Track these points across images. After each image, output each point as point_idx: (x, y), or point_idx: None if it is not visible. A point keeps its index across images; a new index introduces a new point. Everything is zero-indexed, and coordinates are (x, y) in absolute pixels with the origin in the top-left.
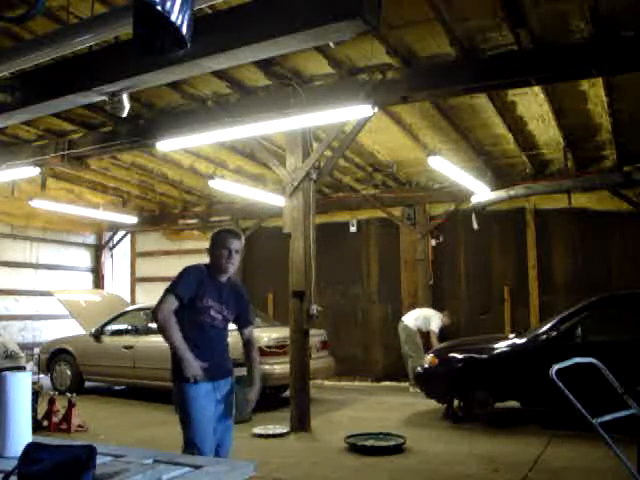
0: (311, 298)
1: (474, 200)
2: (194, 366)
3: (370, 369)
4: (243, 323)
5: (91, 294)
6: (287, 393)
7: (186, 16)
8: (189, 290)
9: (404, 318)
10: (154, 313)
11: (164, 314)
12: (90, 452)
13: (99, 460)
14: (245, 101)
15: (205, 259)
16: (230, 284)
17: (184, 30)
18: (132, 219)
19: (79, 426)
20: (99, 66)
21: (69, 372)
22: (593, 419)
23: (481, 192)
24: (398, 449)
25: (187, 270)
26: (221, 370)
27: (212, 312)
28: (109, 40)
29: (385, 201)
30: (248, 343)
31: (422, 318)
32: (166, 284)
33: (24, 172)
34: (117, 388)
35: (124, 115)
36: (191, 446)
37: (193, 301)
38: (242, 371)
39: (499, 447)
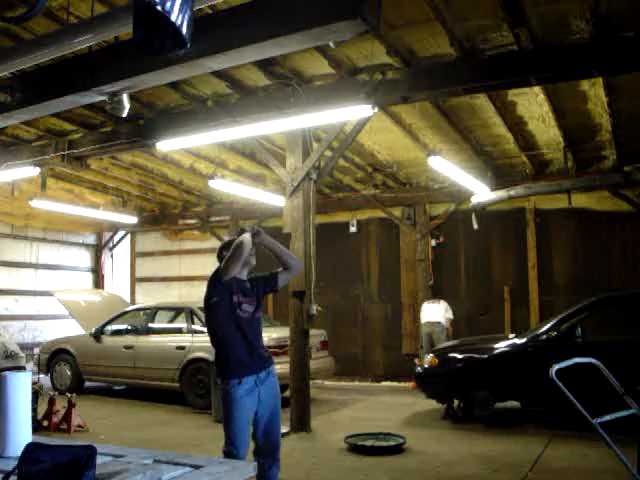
0: (311, 298)
1: (474, 200)
2: (246, 235)
3: (370, 369)
4: (275, 277)
5: (91, 294)
6: (287, 393)
7: (186, 16)
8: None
9: (436, 317)
10: (230, 270)
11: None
12: (90, 452)
13: (99, 460)
14: (245, 101)
15: (205, 259)
16: (249, 277)
17: (184, 30)
18: (132, 219)
19: (79, 426)
20: (99, 66)
21: (69, 372)
22: (593, 419)
23: (481, 192)
24: (398, 449)
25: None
26: (261, 361)
27: (244, 306)
28: (109, 40)
29: (385, 201)
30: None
31: (444, 309)
32: (166, 284)
33: (24, 172)
34: (117, 388)
35: (124, 115)
36: (230, 444)
37: (225, 299)
38: None
39: (499, 447)
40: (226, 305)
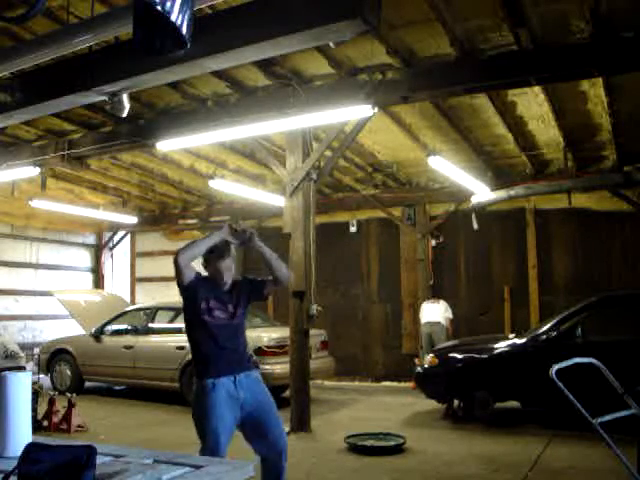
0: (311, 298)
1: (474, 200)
2: (221, 230)
3: (370, 369)
4: (261, 286)
5: (91, 294)
6: (287, 393)
7: (186, 16)
8: (193, 275)
9: (436, 318)
10: (175, 261)
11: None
12: (90, 452)
13: (99, 460)
14: (245, 101)
15: None
16: (234, 281)
17: (184, 30)
18: (132, 219)
19: (79, 426)
20: (99, 66)
21: (69, 372)
22: (593, 419)
23: (481, 192)
24: (398, 449)
25: None
26: (240, 363)
27: (216, 312)
28: (109, 40)
29: (385, 201)
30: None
31: (444, 309)
32: (166, 284)
33: (24, 172)
34: (117, 388)
35: (124, 115)
36: (205, 449)
37: (191, 304)
38: None
39: (499, 447)
40: (192, 310)
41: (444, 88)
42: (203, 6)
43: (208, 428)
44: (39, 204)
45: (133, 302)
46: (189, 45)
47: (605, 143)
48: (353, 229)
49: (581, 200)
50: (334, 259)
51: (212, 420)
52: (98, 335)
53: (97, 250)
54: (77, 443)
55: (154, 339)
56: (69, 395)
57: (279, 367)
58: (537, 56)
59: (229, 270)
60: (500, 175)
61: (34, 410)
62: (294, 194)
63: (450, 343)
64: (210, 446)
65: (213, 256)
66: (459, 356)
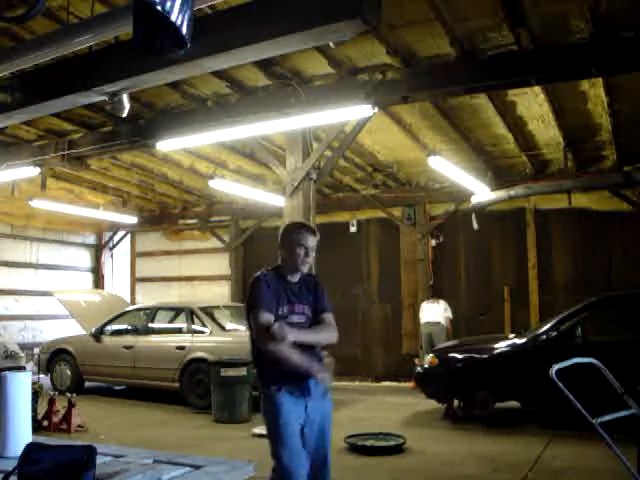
0: None
1: (474, 200)
2: (307, 364)
3: (370, 369)
4: (318, 310)
5: (91, 294)
6: None
7: (186, 16)
8: (272, 302)
9: (435, 318)
10: (261, 343)
11: (267, 341)
12: (90, 452)
13: (99, 460)
14: (245, 101)
15: (205, 259)
16: (302, 277)
17: (184, 30)
18: (132, 219)
19: (79, 426)
20: (99, 66)
21: (69, 372)
22: (593, 419)
23: (481, 192)
24: (398, 449)
25: (258, 283)
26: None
27: (292, 318)
28: (109, 40)
29: (385, 201)
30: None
31: (443, 309)
32: (166, 284)
33: (24, 172)
34: (117, 388)
35: (124, 115)
36: (280, 462)
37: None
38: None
39: (499, 447)
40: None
41: (444, 88)
42: (203, 6)
43: (284, 436)
44: (39, 204)
45: (133, 302)
46: (189, 45)
47: (605, 143)
48: (353, 229)
49: (581, 200)
50: (334, 259)
51: (287, 426)
52: (98, 335)
53: (97, 250)
54: (77, 443)
55: (154, 339)
56: (69, 395)
57: None
58: (537, 56)
59: (308, 263)
60: (500, 175)
61: (34, 410)
62: (294, 194)
63: (450, 343)
64: (290, 459)
65: (293, 241)
66: (459, 356)
